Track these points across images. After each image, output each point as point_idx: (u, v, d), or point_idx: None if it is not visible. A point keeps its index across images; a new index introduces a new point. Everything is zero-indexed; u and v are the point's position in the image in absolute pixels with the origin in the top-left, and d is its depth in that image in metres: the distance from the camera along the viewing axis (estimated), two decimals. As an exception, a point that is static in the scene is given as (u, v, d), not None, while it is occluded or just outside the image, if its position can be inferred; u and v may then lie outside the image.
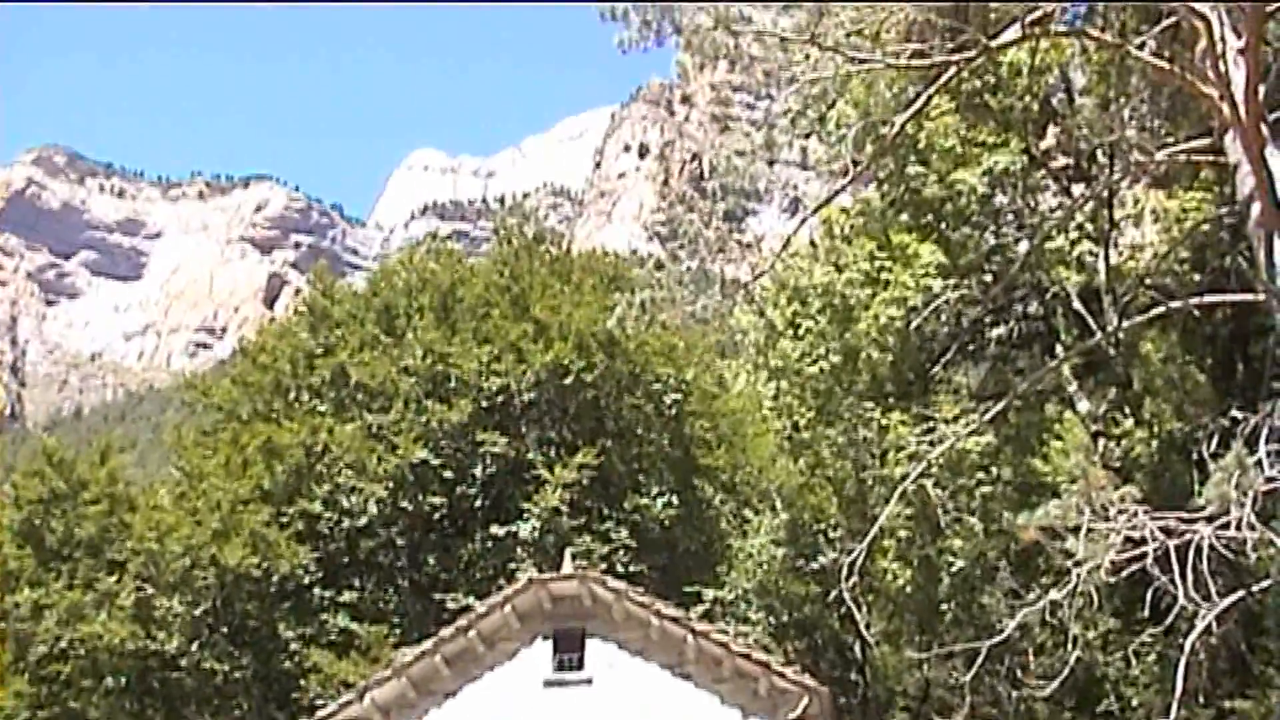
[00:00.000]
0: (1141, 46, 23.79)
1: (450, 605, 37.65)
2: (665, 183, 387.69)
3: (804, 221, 30.99)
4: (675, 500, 42.36)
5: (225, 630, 41.53)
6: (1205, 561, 19.63)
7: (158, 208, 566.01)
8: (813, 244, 36.80)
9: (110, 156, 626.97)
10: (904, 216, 36.04)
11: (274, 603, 41.34)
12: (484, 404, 42.42)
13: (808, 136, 33.76)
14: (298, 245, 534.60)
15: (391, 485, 41.54)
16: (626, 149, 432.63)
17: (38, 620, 41.22)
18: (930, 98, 26.22)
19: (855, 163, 28.16)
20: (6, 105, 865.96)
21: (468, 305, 45.48)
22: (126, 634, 40.09)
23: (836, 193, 30.16)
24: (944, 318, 35.54)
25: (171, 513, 42.48)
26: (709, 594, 38.54)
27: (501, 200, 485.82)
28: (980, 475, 33.13)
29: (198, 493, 42.59)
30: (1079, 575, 21.16)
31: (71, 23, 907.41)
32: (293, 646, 40.44)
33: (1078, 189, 35.85)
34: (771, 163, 26.70)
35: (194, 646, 40.90)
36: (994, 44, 23.29)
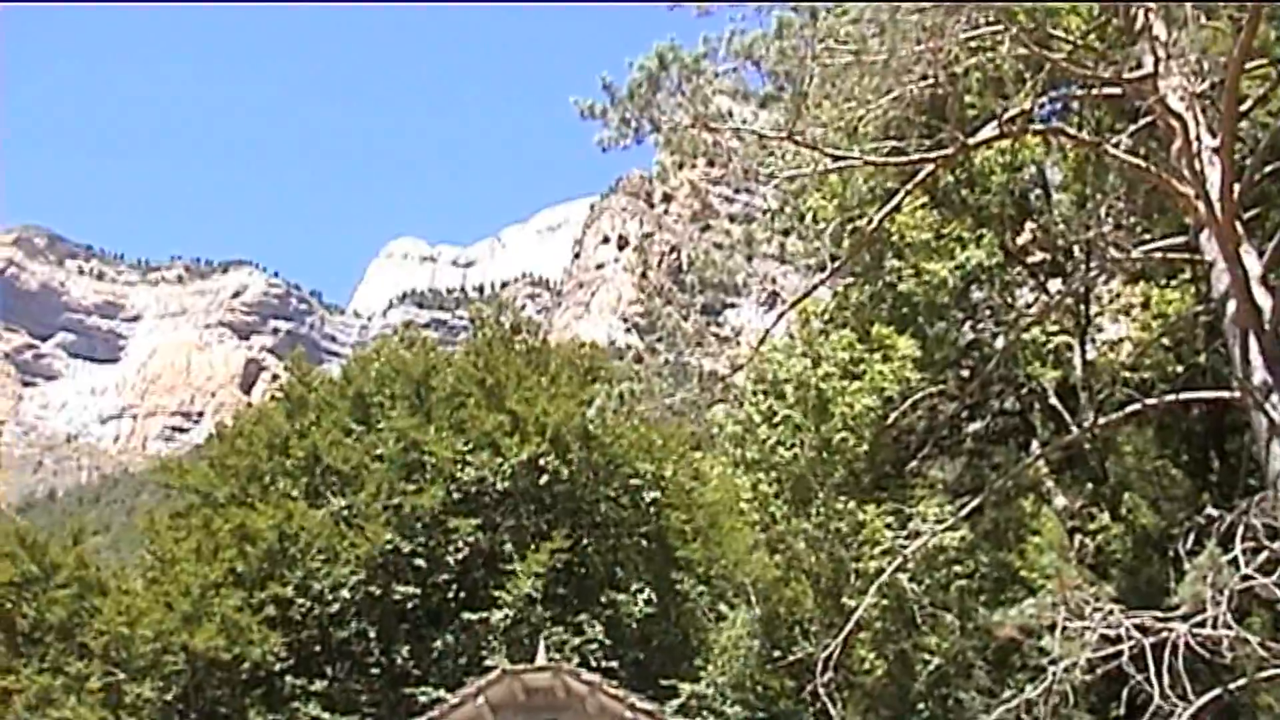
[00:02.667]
0: (1117, 145, 23.97)
1: (422, 697, 37.43)
2: (644, 275, 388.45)
3: (782, 315, 31.14)
4: (651, 595, 42.17)
5: (195, 717, 41.17)
6: (1181, 660, 19.62)
7: (137, 291, 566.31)
8: (790, 336, 36.88)
9: (90, 238, 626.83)
10: (882, 310, 36.17)
11: (245, 689, 40.99)
12: (457, 492, 42.30)
13: (786, 233, 33.98)
14: (276, 331, 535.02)
15: (364, 572, 41.34)
16: (605, 240, 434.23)
17: (6, 705, 40.89)
18: (907, 193, 26.38)
19: (833, 257, 28.30)
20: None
21: (441, 395, 45.46)
22: (95, 717, 39.77)
23: (815, 287, 30.28)
24: (920, 411, 35.61)
25: (142, 597, 42.26)
26: (685, 688, 38.32)
27: (480, 289, 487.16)
28: (956, 570, 33.10)
29: (169, 577, 42.35)
30: (1055, 673, 21.13)
31: (52, 104, 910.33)
32: (262, 735, 40.13)
33: (1054, 284, 36.05)
34: (750, 257, 26.78)
35: (158, 732, 40.58)
36: (971, 141, 23.46)
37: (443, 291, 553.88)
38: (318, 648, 42.07)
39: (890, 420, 34.06)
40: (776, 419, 35.51)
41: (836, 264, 28.80)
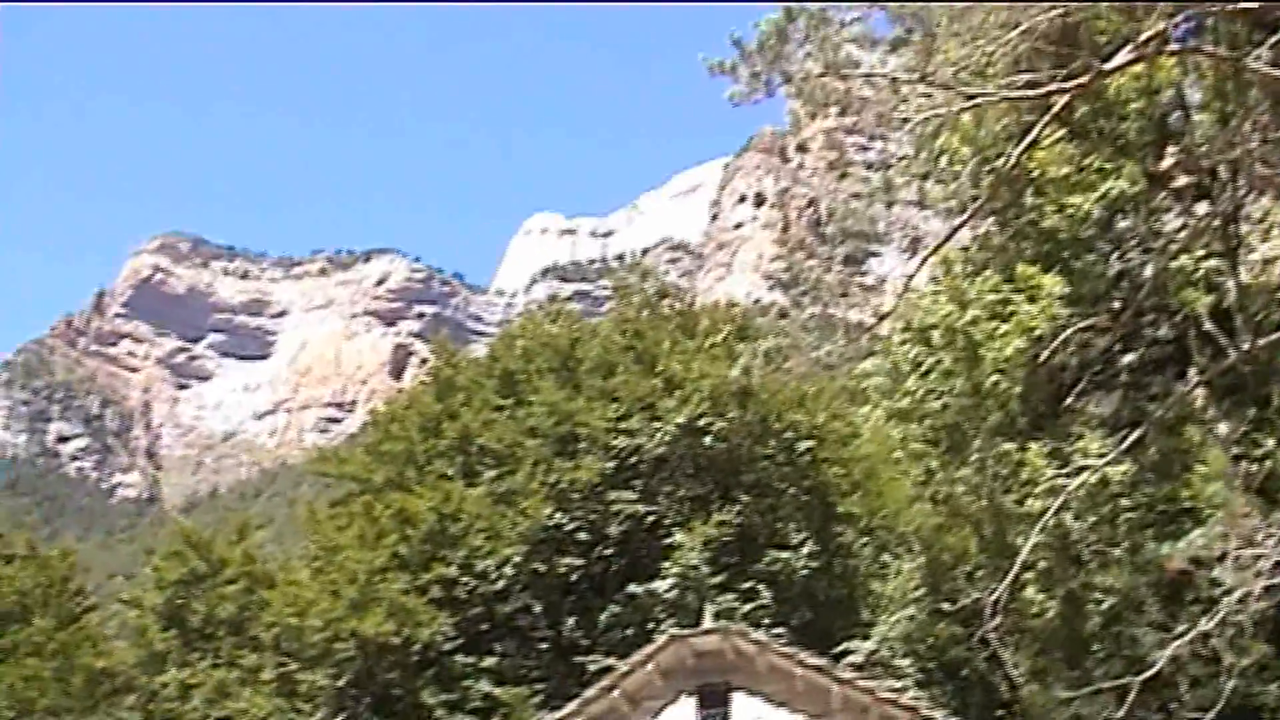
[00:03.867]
0: (1258, 59, 23.38)
1: (591, 667, 37.55)
2: (784, 230, 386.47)
3: (924, 261, 30.74)
4: (814, 551, 42.00)
5: (369, 701, 41.61)
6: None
7: (281, 287, 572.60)
8: (935, 282, 36.48)
9: (232, 239, 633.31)
10: (1025, 249, 35.64)
11: (416, 671, 41.37)
12: (614, 462, 42.36)
13: (924, 176, 33.56)
14: (421, 315, 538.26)
15: (526, 547, 41.55)
16: (742, 199, 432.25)
17: (185, 700, 41.66)
18: (1043, 128, 25.92)
19: (973, 198, 27.93)
20: (128, 197, 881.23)
21: (590, 365, 45.56)
22: (271, 709, 40.37)
23: (956, 230, 29.87)
24: (1072, 347, 35.02)
25: (309, 587, 42.77)
26: (856, 645, 38.07)
27: (621, 258, 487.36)
28: (1121, 504, 32.57)
29: (334, 565, 42.81)
30: (1228, 604, 20.72)
31: (186, 109, 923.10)
32: (437, 714, 40.45)
33: (1201, 208, 35.29)
34: (889, 204, 26.54)
35: (339, 718, 41.04)
36: (1105, 68, 22.99)
37: (583, 263, 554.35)
38: (485, 625, 42.35)
39: (1042, 359, 33.55)
40: (926, 367, 35.14)
41: (976, 205, 28.41)
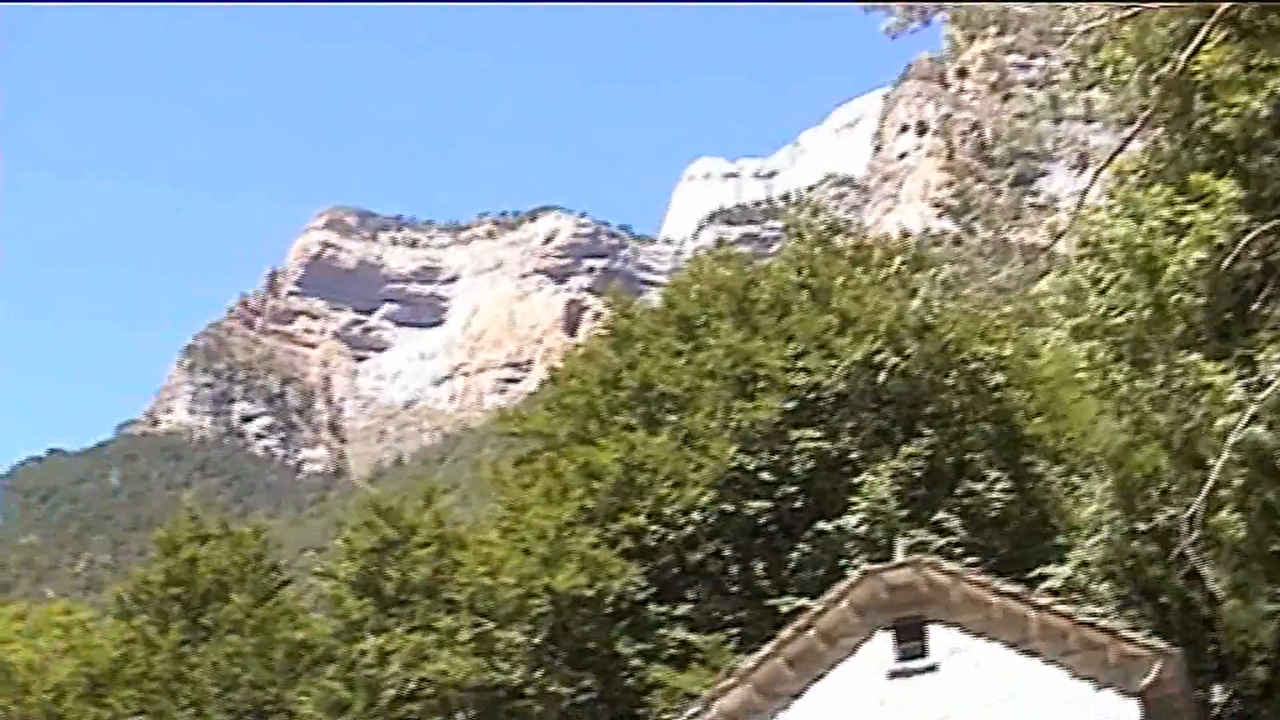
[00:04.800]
0: None
1: (784, 608, 37.52)
2: (949, 157, 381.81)
3: (1096, 176, 30.24)
4: (1004, 478, 41.57)
5: (565, 655, 41.94)
6: None
7: (450, 252, 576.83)
8: (1109, 196, 35.81)
9: (398, 209, 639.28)
10: (1198, 156, 34.84)
11: (610, 623, 41.62)
12: (793, 401, 42.24)
13: (1089, 88, 32.92)
14: (591, 270, 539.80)
15: (712, 492, 41.59)
16: (904, 129, 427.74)
17: (384, 666, 42.19)
18: (1209, 30, 25.32)
19: (1141, 108, 27.34)
20: (292, 177, 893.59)
21: (764, 305, 45.44)
22: (471, 669, 40.79)
23: (1126, 142, 29.36)
24: (1255, 253, 34.22)
25: (500, 546, 43.14)
26: (1053, 571, 37.61)
27: (786, 197, 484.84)
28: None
29: (523, 523, 43.13)
30: None
31: (342, 82, 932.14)
32: (633, 664, 40.68)
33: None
34: (1057, 120, 26.06)
35: (537, 674, 41.42)
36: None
37: (749, 206, 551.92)
38: (676, 572, 42.49)
39: (1224, 268, 32.83)
40: (1104, 284, 34.52)
41: (1145, 115, 27.84)
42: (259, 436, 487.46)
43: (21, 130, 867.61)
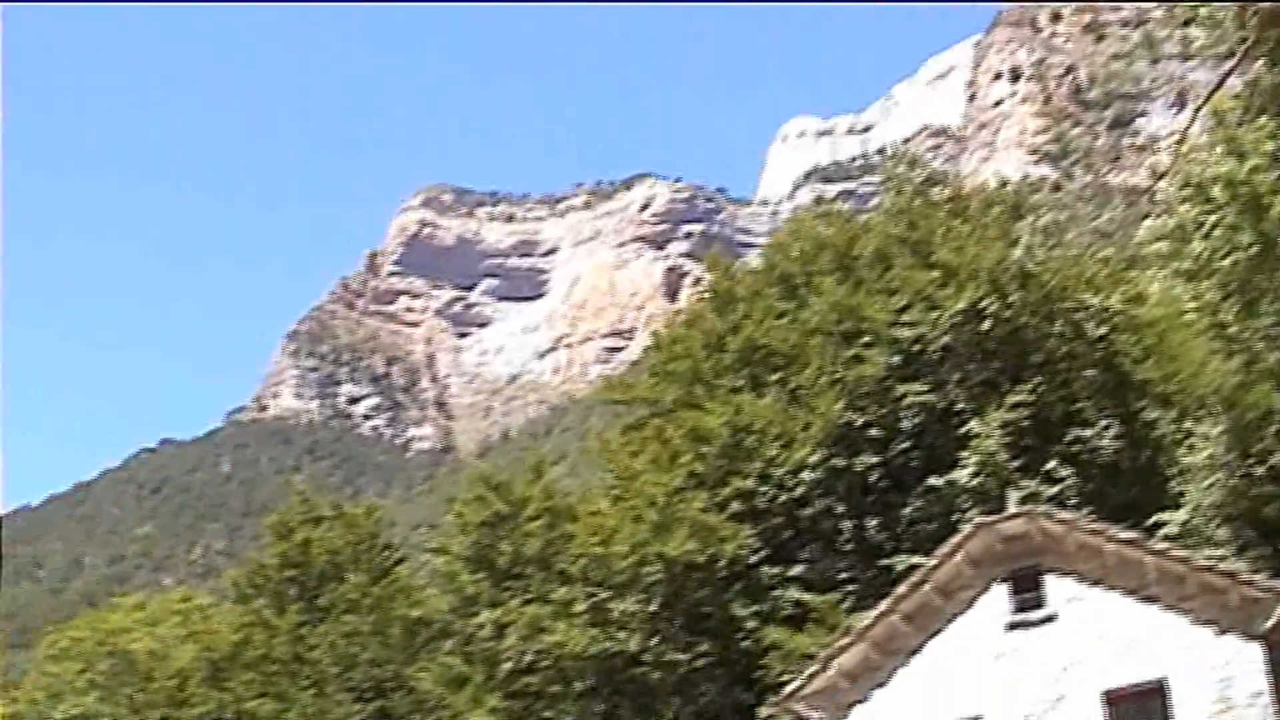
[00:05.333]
0: None
1: (898, 564, 37.37)
2: (1045, 102, 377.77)
3: (1197, 113, 29.78)
4: (1115, 425, 41.14)
5: (680, 621, 41.95)
6: None
7: (548, 225, 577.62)
8: (1211, 133, 35.27)
9: (493, 184, 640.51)
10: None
11: (723, 587, 41.60)
12: (899, 355, 42.01)
13: (1185, 24, 32.38)
14: (689, 235, 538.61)
15: (821, 450, 41.46)
16: (998, 76, 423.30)
17: (501, 639, 42.41)
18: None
19: (1240, 41, 26.88)
20: (385, 157, 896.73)
21: (866, 260, 45.22)
22: (587, 639, 40.91)
23: (1224, 77, 28.88)
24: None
25: (611, 515, 43.19)
26: (1168, 518, 37.19)
27: (881, 152, 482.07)
28: None
29: (633, 492, 43.16)
30: None
31: (432, 59, 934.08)
32: (749, 627, 40.63)
33: None
34: (1154, 60, 25.61)
35: (653, 642, 41.47)
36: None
37: (844, 162, 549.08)
38: (788, 534, 42.38)
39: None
40: (1208, 225, 34.06)
41: (1244, 48, 27.34)
42: (366, 417, 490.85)
43: (129, 130, 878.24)
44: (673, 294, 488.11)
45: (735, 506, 41.84)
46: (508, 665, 42.22)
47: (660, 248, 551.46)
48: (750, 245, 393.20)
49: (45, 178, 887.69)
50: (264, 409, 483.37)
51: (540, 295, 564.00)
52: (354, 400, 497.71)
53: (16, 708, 61.76)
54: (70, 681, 57.52)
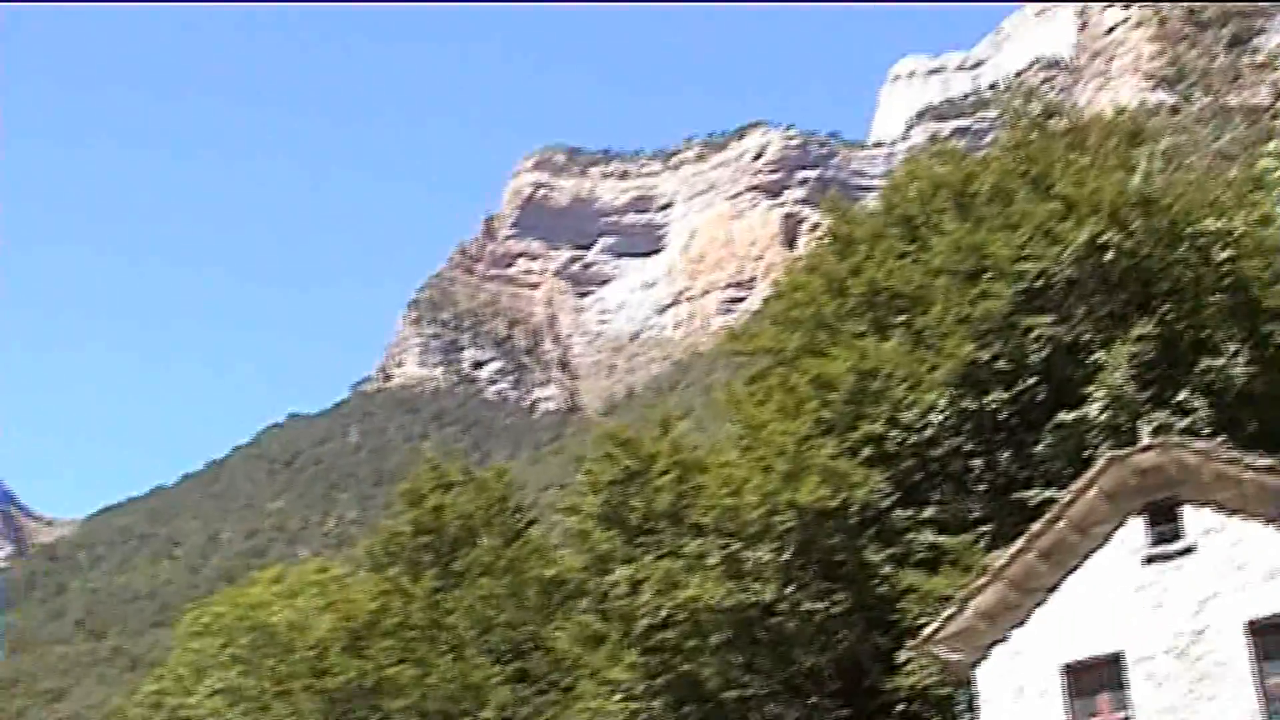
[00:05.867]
0: None
1: (1031, 501, 37.09)
2: (1160, 25, 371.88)
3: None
4: (1246, 351, 40.48)
5: (815, 569, 41.86)
6: None
7: (662, 179, 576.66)
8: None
9: (605, 142, 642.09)
10: None
11: (856, 532, 41.46)
12: (1022, 291, 41.61)
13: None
14: (804, 181, 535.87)
15: (949, 390, 41.18)
16: (1109, 2, 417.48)
17: (636, 595, 42.50)
18: None
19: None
20: (498, 119, 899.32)
21: (985, 197, 44.79)
22: (722, 591, 40.94)
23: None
24: None
25: (740, 466, 43.12)
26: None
27: (994, 87, 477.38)
28: None
29: (760, 441, 43.07)
30: None
31: (533, 18, 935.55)
32: (883, 572, 40.48)
33: None
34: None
35: (788, 591, 41.42)
36: None
37: (957, 100, 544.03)
38: (919, 476, 42.18)
39: None
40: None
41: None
42: (491, 381, 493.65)
43: (252, 111, 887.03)
44: (790, 241, 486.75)
45: (865, 451, 41.69)
46: (644, 621, 42.29)
47: (776, 196, 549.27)
48: (866, 188, 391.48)
49: (170, 158, 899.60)
50: (389, 378, 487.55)
51: (658, 250, 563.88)
52: (478, 365, 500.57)
53: (162, 684, 62.84)
54: (213, 656, 58.38)
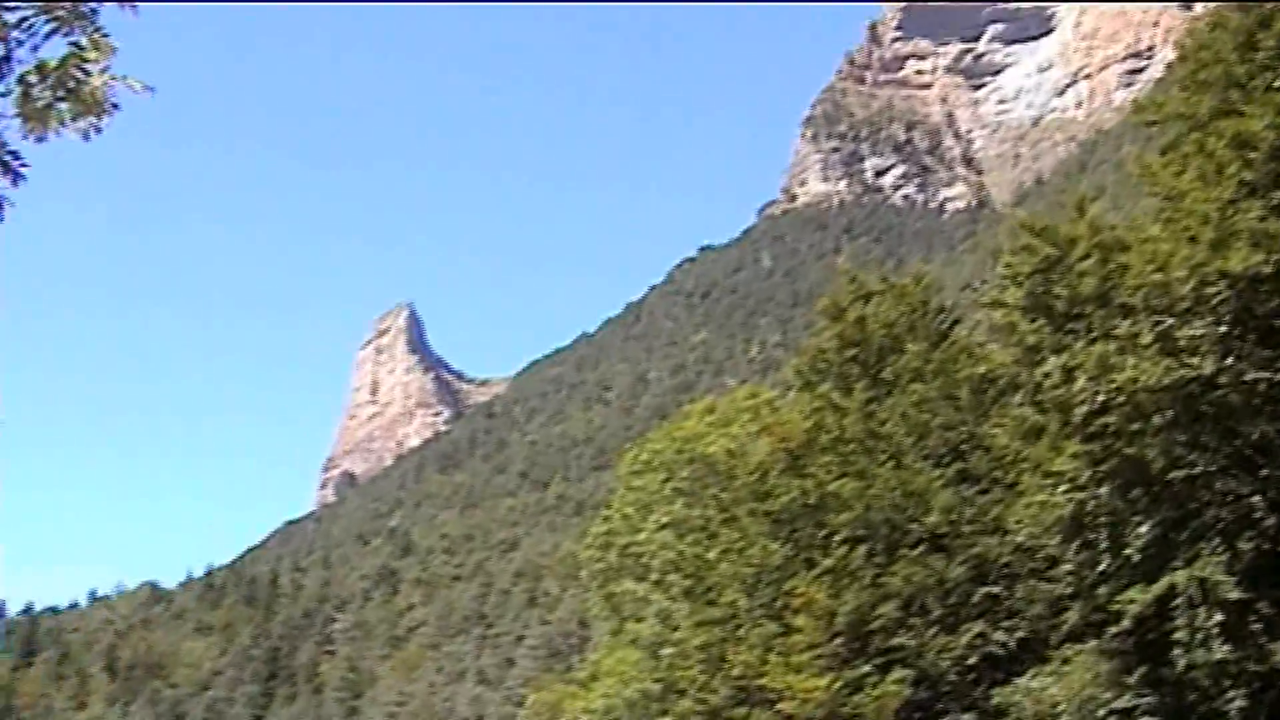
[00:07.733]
0: None
1: None
2: None
3: None
4: None
5: (1254, 338, 40.44)
6: None
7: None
8: None
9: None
10: None
11: (1295, 294, 39.90)
12: None
13: None
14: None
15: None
16: None
17: (1070, 383, 41.71)
18: None
19: None
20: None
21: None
22: (1159, 370, 39.88)
23: None
24: None
25: (1164, 240, 41.83)
26: None
27: None
28: None
29: (1181, 211, 41.65)
30: None
31: None
32: (1330, 331, 38.92)
33: None
34: None
35: (1227, 362, 40.12)
36: None
37: None
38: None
39: None
40: None
41: None
42: (895, 187, 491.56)
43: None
44: (1187, 2, 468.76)
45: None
46: (1082, 409, 41.49)
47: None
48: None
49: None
50: (794, 199, 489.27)
51: (1049, 31, 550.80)
52: (880, 173, 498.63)
53: (610, 525, 64.61)
54: (656, 492, 59.75)
